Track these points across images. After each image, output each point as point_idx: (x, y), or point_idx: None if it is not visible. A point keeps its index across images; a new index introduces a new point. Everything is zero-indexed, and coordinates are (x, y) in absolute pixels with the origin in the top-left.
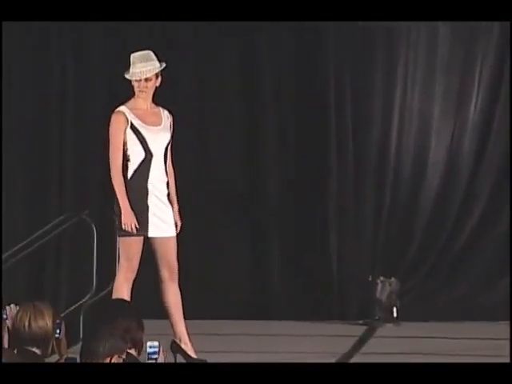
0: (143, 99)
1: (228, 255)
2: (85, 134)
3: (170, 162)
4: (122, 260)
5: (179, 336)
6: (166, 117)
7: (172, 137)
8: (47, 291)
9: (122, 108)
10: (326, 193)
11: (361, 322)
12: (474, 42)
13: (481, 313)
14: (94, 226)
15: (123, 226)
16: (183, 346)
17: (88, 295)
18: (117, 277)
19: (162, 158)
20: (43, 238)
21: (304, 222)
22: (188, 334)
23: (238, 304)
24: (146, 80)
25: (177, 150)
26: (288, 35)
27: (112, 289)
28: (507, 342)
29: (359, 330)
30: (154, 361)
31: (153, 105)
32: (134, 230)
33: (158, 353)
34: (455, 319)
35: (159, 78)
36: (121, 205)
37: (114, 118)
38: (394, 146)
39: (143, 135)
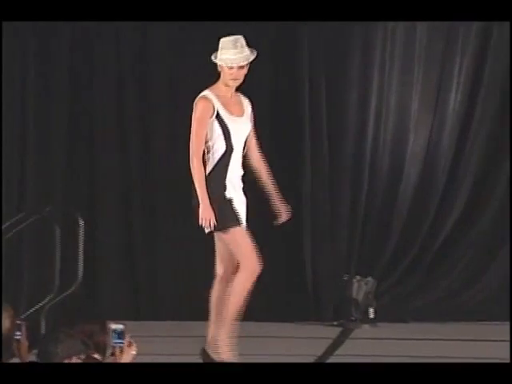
0: (230, 87)
1: (199, 255)
2: (46, 132)
3: (259, 153)
4: (238, 256)
5: (209, 339)
6: (246, 105)
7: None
8: (7, 291)
9: (208, 94)
10: (301, 191)
11: (336, 323)
12: (453, 34)
13: (460, 313)
14: (56, 224)
15: (200, 221)
16: (211, 352)
17: (49, 296)
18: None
19: (241, 150)
20: (2, 236)
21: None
22: (227, 336)
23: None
24: (240, 68)
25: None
26: (261, 32)
27: (74, 289)
28: (487, 344)
29: (334, 331)
30: (119, 346)
31: (235, 92)
32: (212, 227)
33: (123, 337)
34: (435, 320)
35: (247, 66)
36: (200, 199)
37: (200, 103)
38: (371, 143)
39: (228, 126)
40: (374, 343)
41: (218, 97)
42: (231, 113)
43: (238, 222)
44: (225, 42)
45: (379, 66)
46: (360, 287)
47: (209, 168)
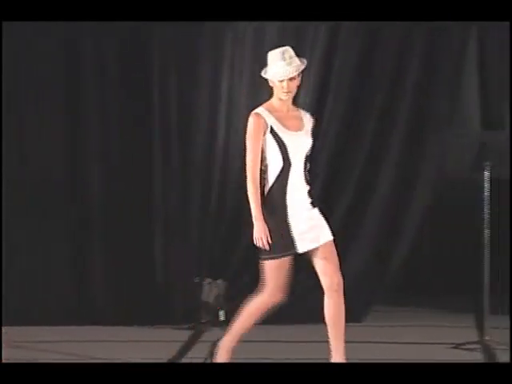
0: (284, 101)
1: (47, 256)
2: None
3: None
4: (267, 282)
5: (333, 354)
6: (307, 120)
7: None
8: None
9: (260, 110)
10: (151, 193)
11: (186, 326)
12: (301, 36)
13: (312, 314)
14: None
15: (254, 241)
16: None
17: None
18: (258, 298)
19: (302, 166)
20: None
21: (128, 223)
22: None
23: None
24: (291, 80)
25: None
26: (110, 33)
27: None
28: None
29: (185, 334)
30: None
31: (293, 107)
32: (266, 247)
33: None
34: (289, 322)
35: (300, 77)
36: (254, 219)
37: (252, 120)
38: (222, 145)
39: (283, 141)
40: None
41: (272, 112)
42: (288, 128)
43: (287, 250)
44: (272, 54)
45: (229, 67)
46: (211, 290)
47: (267, 186)
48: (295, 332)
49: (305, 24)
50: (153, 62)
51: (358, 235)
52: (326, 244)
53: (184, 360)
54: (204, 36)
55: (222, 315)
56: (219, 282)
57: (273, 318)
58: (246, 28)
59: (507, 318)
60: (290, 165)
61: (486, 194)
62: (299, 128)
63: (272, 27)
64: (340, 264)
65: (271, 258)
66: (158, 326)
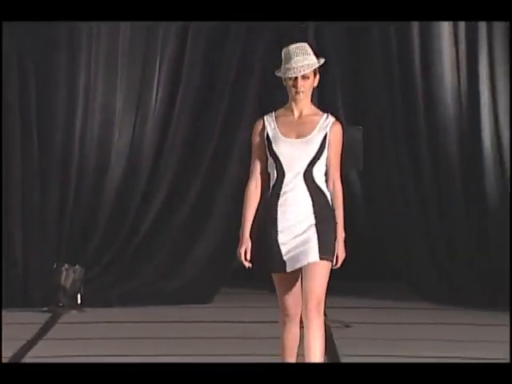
0: (299, 102)
1: None
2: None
3: (336, 181)
4: (279, 300)
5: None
6: (322, 126)
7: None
8: None
9: (268, 115)
10: (11, 184)
11: (45, 309)
12: (153, 35)
13: (163, 297)
14: None
15: (238, 256)
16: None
17: None
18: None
19: (301, 177)
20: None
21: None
22: None
23: None
24: (303, 78)
25: None
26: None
27: None
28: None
29: (44, 317)
30: None
31: (311, 110)
32: (245, 263)
33: None
34: (138, 304)
35: (318, 76)
36: (240, 231)
37: (253, 127)
38: (78, 139)
39: (275, 150)
40: (80, 326)
41: (280, 116)
42: (286, 134)
43: (276, 267)
44: (285, 51)
45: (85, 65)
46: (68, 275)
47: (265, 196)
48: None
49: (156, 24)
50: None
51: (209, 221)
52: (311, 265)
53: (42, 341)
54: (60, 34)
55: (78, 298)
56: (76, 267)
57: None
58: (101, 28)
59: None
60: (283, 175)
61: None
62: (303, 135)
63: (125, 26)
64: None
65: (268, 272)
66: (18, 309)
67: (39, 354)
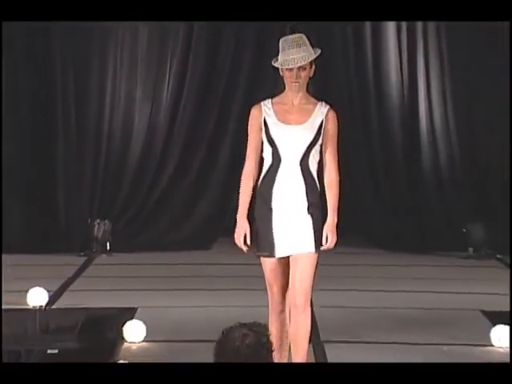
0: (295, 92)
1: None
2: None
3: (333, 167)
4: (267, 285)
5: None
6: (318, 113)
7: (325, 136)
8: None
9: (265, 101)
10: (55, 154)
11: (82, 253)
12: (164, 40)
13: (175, 244)
14: None
15: (236, 239)
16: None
17: None
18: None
19: (297, 163)
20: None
21: (33, 175)
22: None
23: None
24: (300, 69)
25: None
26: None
27: None
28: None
29: (81, 259)
30: None
31: (306, 98)
32: (243, 248)
33: None
34: (157, 250)
35: (313, 67)
36: (237, 216)
37: (251, 112)
38: (107, 120)
39: (272, 135)
40: (109, 267)
41: (276, 104)
42: (284, 121)
43: (265, 251)
44: (283, 42)
45: (112, 64)
46: (100, 227)
47: (258, 182)
48: None
49: (165, 25)
50: (55, 58)
51: (209, 185)
52: (302, 256)
53: (81, 278)
54: (93, 36)
55: (107, 246)
56: (106, 221)
57: None
58: (124, 32)
59: None
60: (279, 161)
61: None
62: (300, 121)
63: (144, 27)
64: None
65: (257, 256)
66: (62, 253)
67: (78, 288)
